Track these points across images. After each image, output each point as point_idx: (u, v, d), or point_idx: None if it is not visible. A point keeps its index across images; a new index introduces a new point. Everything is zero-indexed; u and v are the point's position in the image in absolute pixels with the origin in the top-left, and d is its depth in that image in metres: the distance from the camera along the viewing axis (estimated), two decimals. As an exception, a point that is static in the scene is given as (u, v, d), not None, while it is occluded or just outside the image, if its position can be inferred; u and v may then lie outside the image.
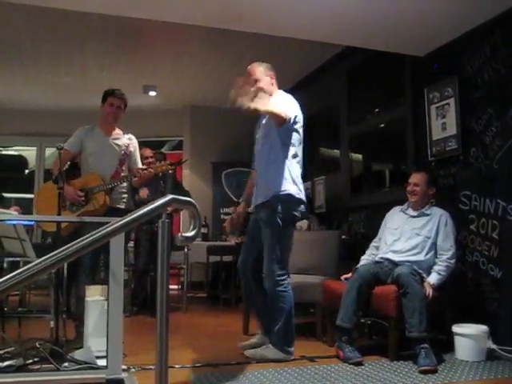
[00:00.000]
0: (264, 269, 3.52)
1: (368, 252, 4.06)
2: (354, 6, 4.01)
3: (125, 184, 4.05)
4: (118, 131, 4.10)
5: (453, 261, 3.69)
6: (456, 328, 3.53)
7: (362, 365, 3.33)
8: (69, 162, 4.09)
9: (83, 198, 3.84)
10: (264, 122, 3.70)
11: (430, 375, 3.04)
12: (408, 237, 3.82)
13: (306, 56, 6.48)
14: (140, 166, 4.12)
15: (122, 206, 4.03)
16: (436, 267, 3.67)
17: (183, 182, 8.38)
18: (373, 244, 4.10)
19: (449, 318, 3.74)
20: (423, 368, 3.16)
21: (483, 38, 4.18)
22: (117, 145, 4.04)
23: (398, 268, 3.55)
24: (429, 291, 3.48)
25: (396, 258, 3.75)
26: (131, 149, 4.11)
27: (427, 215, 3.87)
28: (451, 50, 4.52)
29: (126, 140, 4.09)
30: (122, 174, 4.01)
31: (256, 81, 3.63)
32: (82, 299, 3.42)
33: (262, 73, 3.68)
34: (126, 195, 4.11)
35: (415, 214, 3.93)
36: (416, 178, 3.97)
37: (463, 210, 4.30)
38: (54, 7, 4.37)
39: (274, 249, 3.46)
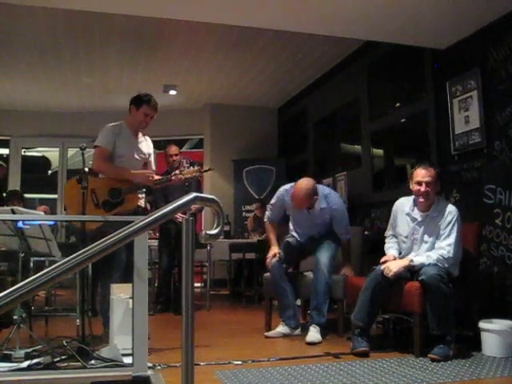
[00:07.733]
0: None
1: (390, 241, 3.86)
2: (374, 0, 3.98)
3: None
4: (140, 134, 4.09)
5: (445, 259, 3.41)
6: (482, 324, 3.49)
7: (368, 355, 3.42)
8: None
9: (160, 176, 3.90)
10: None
11: (457, 372, 3.01)
12: (419, 245, 3.62)
13: (325, 52, 6.45)
14: (153, 167, 4.16)
15: (142, 205, 4.08)
16: (429, 253, 3.48)
17: (205, 180, 8.43)
18: (389, 234, 3.89)
19: (475, 313, 3.69)
20: (431, 355, 3.27)
21: (507, 29, 4.11)
22: (142, 148, 4.05)
23: (425, 269, 3.39)
24: (397, 268, 3.43)
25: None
26: (150, 151, 4.16)
27: (433, 217, 3.56)
28: (473, 42, 4.46)
29: (145, 142, 4.11)
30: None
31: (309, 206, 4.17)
32: (108, 297, 3.46)
33: (309, 198, 4.10)
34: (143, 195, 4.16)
35: (421, 218, 3.60)
36: (428, 177, 3.50)
37: (488, 204, 4.24)
38: (75, 9, 4.42)
39: None
